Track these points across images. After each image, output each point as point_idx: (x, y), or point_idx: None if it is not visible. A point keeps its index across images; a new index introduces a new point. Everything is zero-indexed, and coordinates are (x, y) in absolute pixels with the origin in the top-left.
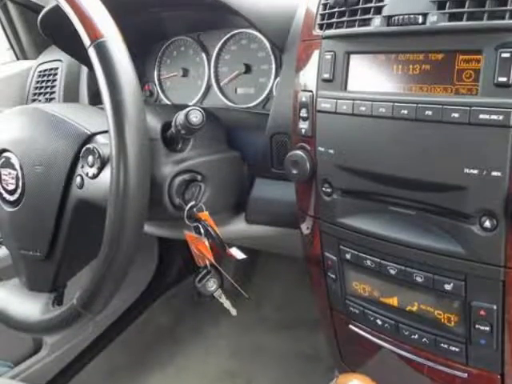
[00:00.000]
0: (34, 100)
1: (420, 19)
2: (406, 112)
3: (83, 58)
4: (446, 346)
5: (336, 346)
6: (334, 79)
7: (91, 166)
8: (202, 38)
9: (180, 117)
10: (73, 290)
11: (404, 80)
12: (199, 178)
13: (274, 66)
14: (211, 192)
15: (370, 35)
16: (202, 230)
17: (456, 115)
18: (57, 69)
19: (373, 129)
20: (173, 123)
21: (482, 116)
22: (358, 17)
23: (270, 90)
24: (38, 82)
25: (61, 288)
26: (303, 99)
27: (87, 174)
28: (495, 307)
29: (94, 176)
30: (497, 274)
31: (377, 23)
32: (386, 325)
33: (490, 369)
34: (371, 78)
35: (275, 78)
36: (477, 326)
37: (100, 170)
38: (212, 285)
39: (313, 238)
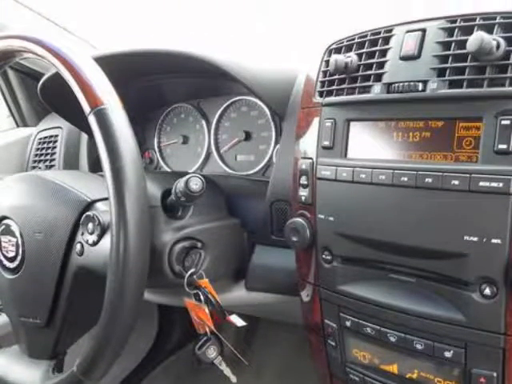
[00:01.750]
0: (33, 167)
1: (420, 86)
2: (405, 179)
3: (83, 126)
4: None
5: None
6: (334, 146)
7: (91, 233)
8: (202, 105)
9: (180, 184)
10: (73, 357)
11: (404, 147)
12: (199, 245)
13: (273, 133)
14: (211, 259)
15: (370, 102)
16: (202, 297)
17: (456, 182)
18: (57, 136)
19: (373, 196)
20: (173, 190)
21: (482, 183)
22: (358, 84)
23: (270, 157)
24: (37, 149)
25: (61, 355)
26: (303, 166)
27: (87, 241)
28: (495, 374)
29: (94, 243)
30: (497, 341)
31: (377, 90)
32: None
33: None
34: (371, 146)
35: (275, 145)
36: None
37: (100, 237)
38: (212, 352)
39: (313, 306)
